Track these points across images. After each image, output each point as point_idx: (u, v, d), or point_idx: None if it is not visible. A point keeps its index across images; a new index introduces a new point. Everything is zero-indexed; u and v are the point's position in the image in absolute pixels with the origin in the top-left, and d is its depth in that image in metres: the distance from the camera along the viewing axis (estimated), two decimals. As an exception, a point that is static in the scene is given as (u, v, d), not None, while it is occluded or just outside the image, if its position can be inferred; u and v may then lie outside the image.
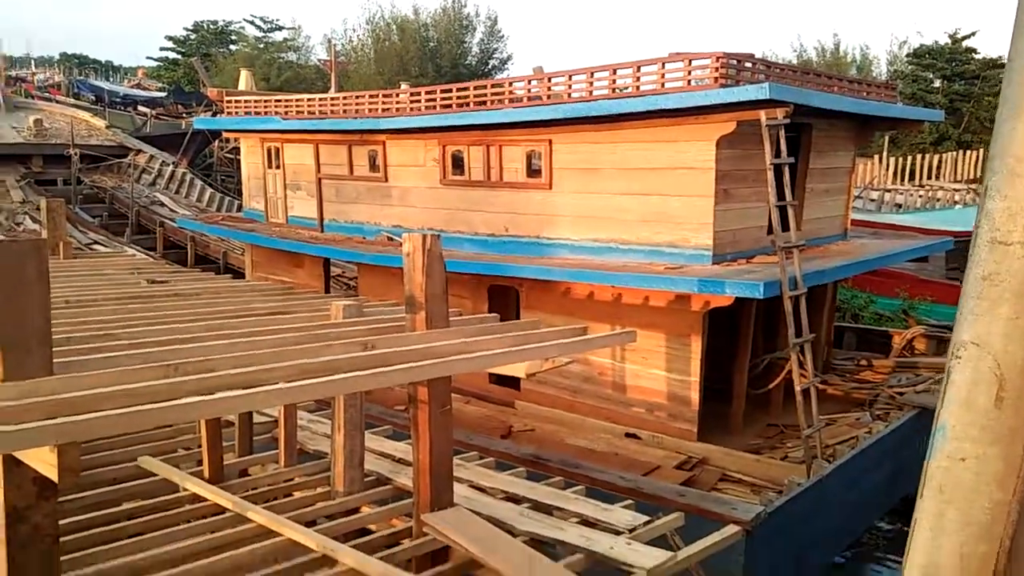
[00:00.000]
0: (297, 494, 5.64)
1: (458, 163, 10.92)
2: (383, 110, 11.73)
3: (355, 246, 11.78)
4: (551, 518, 5.38)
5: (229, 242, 19.10)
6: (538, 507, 5.55)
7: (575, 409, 9.47)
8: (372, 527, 5.20)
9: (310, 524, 4.88)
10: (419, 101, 11.35)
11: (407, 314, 5.12)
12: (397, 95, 12.12)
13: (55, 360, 3.54)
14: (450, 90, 10.91)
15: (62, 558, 3.63)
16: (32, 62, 76.00)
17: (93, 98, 40.24)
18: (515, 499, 5.67)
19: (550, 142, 9.74)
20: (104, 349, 4.30)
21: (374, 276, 11.32)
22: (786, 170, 7.92)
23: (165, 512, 5.20)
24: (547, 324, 5.91)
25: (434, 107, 11.03)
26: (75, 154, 24.32)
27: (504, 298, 10.41)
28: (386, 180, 11.86)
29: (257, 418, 6.53)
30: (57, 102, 35.11)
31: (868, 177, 27.73)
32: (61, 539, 3.51)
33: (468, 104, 10.57)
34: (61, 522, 3.51)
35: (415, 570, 4.46)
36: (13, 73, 51.42)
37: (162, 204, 24.24)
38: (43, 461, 2.99)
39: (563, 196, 9.70)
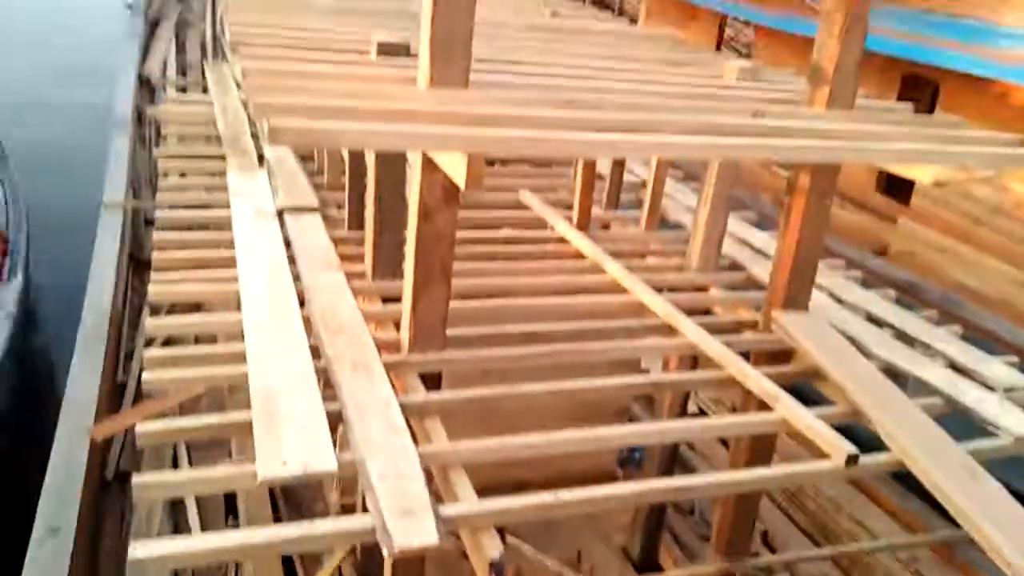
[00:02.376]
0: (651, 259, 5.72)
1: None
2: None
3: (757, 4, 10.71)
4: (914, 352, 4.87)
5: (627, -13, 18.59)
6: (901, 337, 5.03)
7: (971, 241, 8.16)
8: (717, 309, 5.14)
9: (657, 291, 4.96)
10: None
11: (809, 86, 4.55)
12: None
13: (471, 76, 3.74)
14: None
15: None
16: None
17: None
18: (877, 322, 5.19)
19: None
20: (512, 73, 4.48)
21: (772, 42, 10.33)
22: None
23: (533, 246, 5.64)
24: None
25: None
26: None
27: (917, 93, 8.89)
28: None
29: (626, 176, 6.61)
30: None
31: None
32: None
33: None
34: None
35: (752, 363, 4.37)
36: None
37: (571, -62, 24.04)
38: (453, 166, 3.27)
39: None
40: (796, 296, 4.71)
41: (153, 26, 11.82)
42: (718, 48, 12.15)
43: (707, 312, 5.11)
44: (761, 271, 5.38)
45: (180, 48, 11.71)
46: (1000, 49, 7.75)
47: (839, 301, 5.37)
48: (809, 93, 4.51)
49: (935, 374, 4.59)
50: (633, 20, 14.62)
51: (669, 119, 3.78)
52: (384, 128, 3.18)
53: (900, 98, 8.86)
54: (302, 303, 4.22)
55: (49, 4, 16.67)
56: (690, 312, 4.77)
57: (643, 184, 6.50)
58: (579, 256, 5.49)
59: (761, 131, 3.87)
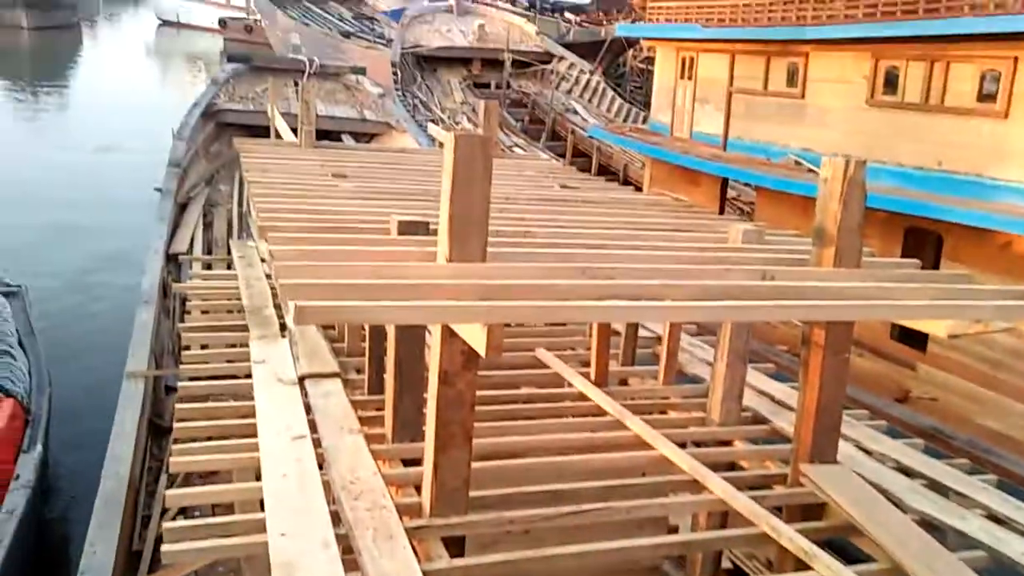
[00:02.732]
0: (672, 413, 5.72)
1: (891, 81, 9.68)
2: (812, 17, 10.76)
3: (757, 168, 11.26)
4: (949, 502, 4.73)
5: (631, 155, 19.63)
6: (934, 487, 4.91)
7: (993, 386, 8.11)
8: (743, 464, 5.08)
9: (680, 445, 4.93)
10: (856, 7, 10.17)
11: (814, 247, 4.72)
12: (830, 0, 11.01)
13: (488, 249, 3.94)
14: (896, -7, 9.58)
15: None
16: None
17: (527, 3, 43.68)
18: (907, 472, 5.08)
19: (1015, 60, 8.09)
20: (525, 244, 4.71)
21: (773, 202, 10.75)
22: None
23: (552, 404, 5.67)
24: (978, 281, 5.06)
25: (873, 14, 9.81)
26: (508, 59, 26.70)
27: (922, 245, 9.15)
28: (803, 97, 11.02)
29: (641, 332, 6.72)
30: (497, 7, 38.72)
31: None
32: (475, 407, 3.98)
33: (916, 11, 9.20)
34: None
35: (785, 519, 4.27)
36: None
37: (575, 112, 25.66)
38: (473, 336, 3.38)
39: (1022, 129, 8.07)
40: (823, 448, 4.66)
41: (182, 208, 12.52)
42: (721, 210, 12.65)
43: (733, 466, 5.05)
44: (785, 423, 5.35)
45: (207, 227, 12.34)
46: (1002, 203, 8.09)
47: (867, 452, 5.29)
48: (815, 253, 4.67)
49: (974, 525, 4.44)
50: (638, 187, 15.34)
51: (681, 284, 3.92)
52: (407, 304, 3.32)
53: (904, 250, 9.13)
54: (322, 466, 4.22)
55: (84, 196, 17.76)
56: (716, 467, 4.72)
57: (658, 339, 6.60)
58: (599, 412, 5.49)
59: (772, 292, 3.99)
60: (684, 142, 13.43)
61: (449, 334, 3.75)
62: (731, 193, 15.05)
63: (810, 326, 4.59)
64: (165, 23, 56.00)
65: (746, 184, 13.12)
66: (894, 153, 9.53)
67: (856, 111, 10.11)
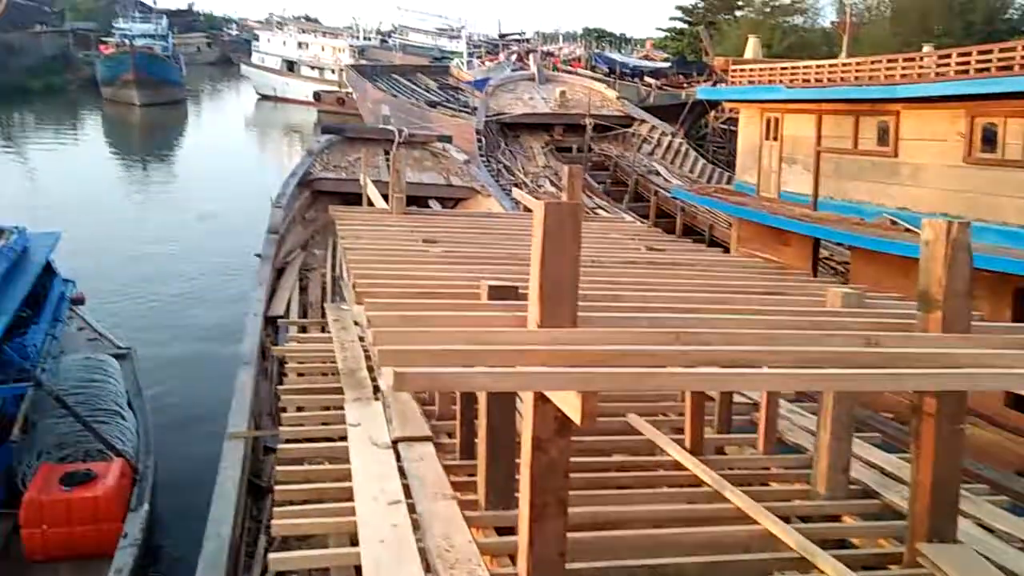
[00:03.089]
0: (774, 484, 5.49)
1: (989, 138, 9.35)
2: (901, 76, 10.56)
3: (851, 227, 10.95)
4: (1084, 587, 4.34)
5: (716, 215, 19.42)
6: (1067, 569, 4.52)
7: None
8: (854, 541, 4.80)
9: (784, 519, 4.71)
10: (947, 65, 9.94)
11: (919, 312, 4.52)
12: (920, 59, 10.80)
13: (578, 313, 3.94)
14: (989, 51, 9.37)
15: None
16: (560, 37, 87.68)
17: (607, 69, 44.47)
18: (1035, 553, 4.71)
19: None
20: (615, 308, 4.69)
21: (870, 263, 10.39)
22: None
23: (647, 472, 5.53)
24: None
25: (966, 71, 9.56)
26: (589, 124, 27.11)
27: (1034, 306, 8.67)
28: (895, 156, 10.73)
29: (736, 398, 6.53)
30: (577, 74, 39.55)
31: None
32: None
33: (1011, 67, 8.92)
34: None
35: (901, 602, 4.00)
36: (545, 48, 59.86)
37: (657, 173, 25.70)
38: (567, 403, 3.36)
39: None
40: (941, 526, 4.38)
41: (279, 272, 13.05)
42: (814, 271, 12.30)
43: (843, 543, 4.77)
44: (897, 498, 5.05)
45: (303, 290, 12.80)
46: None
47: (988, 530, 4.92)
48: (922, 318, 4.47)
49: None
50: (725, 247, 15.13)
51: (778, 350, 3.81)
52: (500, 371, 3.34)
53: (1015, 312, 8.65)
54: (416, 529, 4.23)
55: (189, 261, 18.73)
56: (824, 544, 4.47)
57: (755, 405, 6.39)
58: (696, 482, 5.31)
59: (878, 360, 3.83)
60: (772, 202, 13.22)
61: (542, 400, 3.74)
62: (823, 253, 14.66)
63: (920, 395, 4.37)
64: (264, 97, 59.48)
65: (838, 244, 12.75)
66: (998, 211, 9.13)
67: (953, 169, 9.77)
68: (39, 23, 62.87)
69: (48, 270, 9.98)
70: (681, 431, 5.87)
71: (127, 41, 51.31)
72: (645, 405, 6.67)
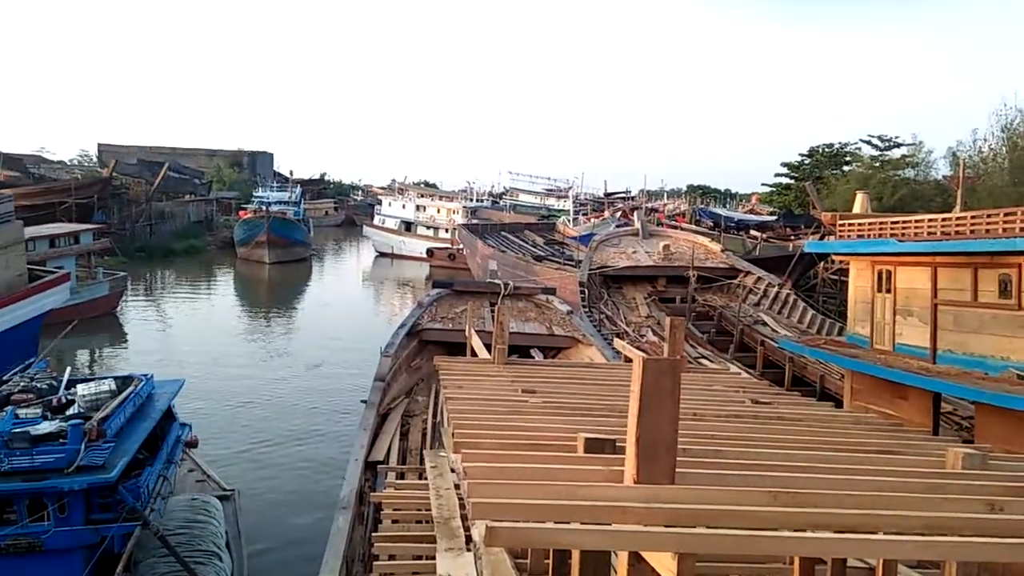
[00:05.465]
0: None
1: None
2: (1021, 228, 10.22)
3: (975, 382, 10.28)
4: None
5: (827, 366, 18.70)
6: None
7: None
8: None
9: None
10: (1070, 216, 9.59)
11: (1054, 477, 4.17)
12: (1040, 211, 10.47)
13: (677, 469, 3.85)
14: (1117, 203, 8.97)
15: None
16: (664, 194, 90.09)
17: (711, 223, 45.02)
18: None
19: None
20: (715, 465, 4.54)
21: (997, 419, 9.64)
22: None
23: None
24: None
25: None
26: (693, 275, 27.21)
27: None
28: (1020, 308, 10.19)
29: (851, 562, 6.03)
30: (681, 228, 40.18)
31: None
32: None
33: None
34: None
35: None
36: (650, 204, 61.51)
37: (764, 323, 25.20)
38: (663, 564, 3.23)
39: None
40: None
41: (383, 418, 13.35)
42: (935, 428, 11.52)
43: None
44: None
45: (403, 436, 13.00)
46: None
47: None
48: (1054, 481, 4.13)
49: None
50: (837, 400, 14.45)
51: (891, 515, 3.58)
52: (594, 528, 3.28)
53: None
54: None
55: (302, 408, 19.47)
56: None
57: (871, 571, 5.86)
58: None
59: (1001, 528, 3.53)
60: (887, 354, 12.65)
61: (637, 559, 3.60)
62: (946, 407, 13.75)
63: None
64: (381, 255, 63.14)
65: (965, 399, 11.93)
66: None
67: (1087, 322, 9.17)
68: (189, 193, 70.35)
69: (168, 415, 10.59)
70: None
71: (264, 207, 56.43)
72: (748, 566, 6.24)
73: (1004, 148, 33.54)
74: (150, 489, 8.80)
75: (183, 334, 29.23)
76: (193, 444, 12.03)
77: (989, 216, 11.03)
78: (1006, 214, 10.76)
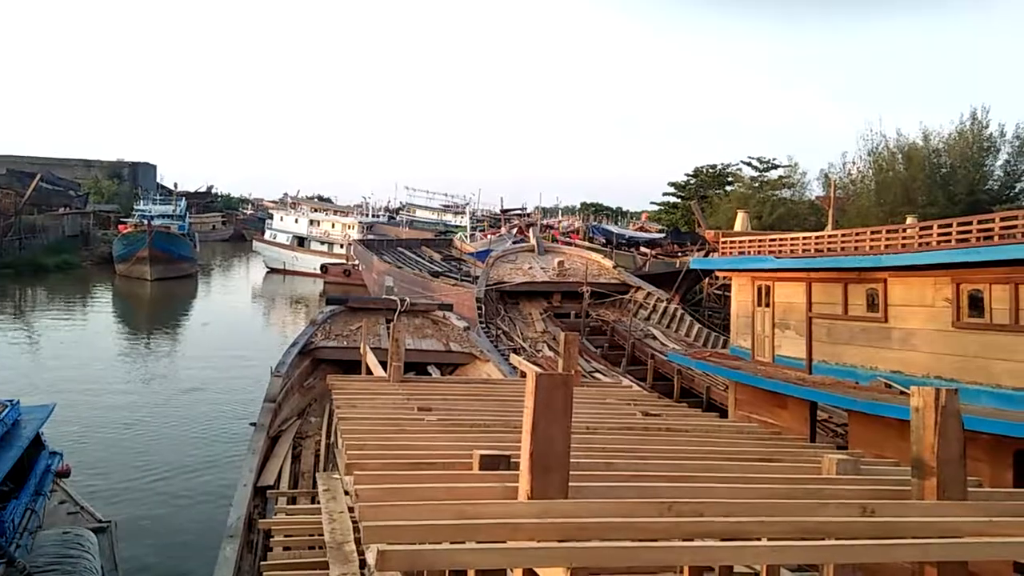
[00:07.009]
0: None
1: (976, 304, 9.56)
2: (886, 246, 10.98)
3: (847, 391, 10.95)
4: None
5: (713, 378, 19.47)
6: None
7: None
8: None
9: None
10: (930, 235, 10.37)
11: (913, 479, 4.47)
12: (903, 230, 11.28)
13: (570, 484, 3.89)
14: (969, 222, 9.79)
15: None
16: (559, 211, 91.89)
17: (603, 240, 46.17)
18: None
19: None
20: (608, 478, 4.62)
21: (867, 425, 10.30)
22: None
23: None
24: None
25: (948, 241, 9.94)
26: (586, 291, 27.83)
27: (1035, 469, 8.51)
28: (886, 321, 10.93)
29: (738, 568, 6.26)
30: (575, 245, 41.03)
31: None
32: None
33: (992, 237, 9.29)
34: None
35: None
36: (545, 221, 62.57)
37: (654, 337, 26.03)
38: (555, 580, 3.26)
39: None
40: None
41: (273, 440, 12.89)
42: (812, 436, 12.18)
43: None
44: None
45: (295, 458, 12.59)
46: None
47: None
48: (916, 485, 4.42)
49: None
50: (722, 410, 15.04)
51: (772, 521, 3.74)
52: (488, 547, 3.27)
53: (1016, 475, 8.47)
54: None
55: (184, 433, 18.57)
56: None
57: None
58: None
59: (873, 530, 3.75)
60: (767, 366, 13.30)
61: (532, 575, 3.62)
62: (822, 415, 14.57)
63: (921, 566, 4.22)
64: (273, 270, 61.26)
65: (837, 407, 12.69)
66: (990, 374, 9.18)
67: (943, 333, 9.93)
68: (64, 206, 66.11)
69: (37, 442, 9.88)
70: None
71: (146, 221, 53.71)
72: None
73: (870, 171, 36.09)
74: (15, 523, 8.17)
75: (55, 356, 27.34)
76: (65, 473, 11.26)
77: (858, 235, 11.80)
78: (872, 233, 11.54)
